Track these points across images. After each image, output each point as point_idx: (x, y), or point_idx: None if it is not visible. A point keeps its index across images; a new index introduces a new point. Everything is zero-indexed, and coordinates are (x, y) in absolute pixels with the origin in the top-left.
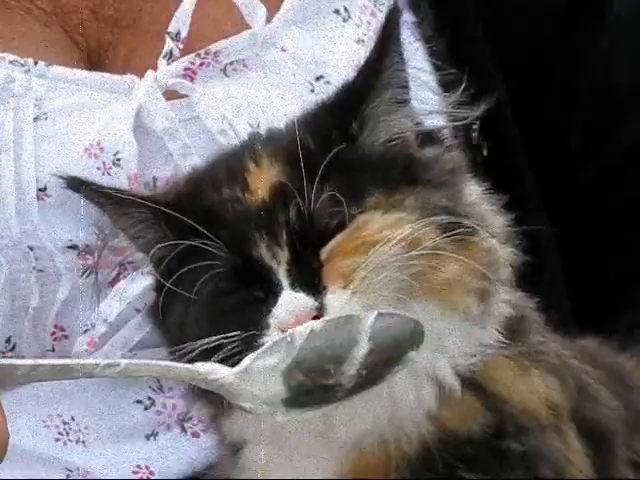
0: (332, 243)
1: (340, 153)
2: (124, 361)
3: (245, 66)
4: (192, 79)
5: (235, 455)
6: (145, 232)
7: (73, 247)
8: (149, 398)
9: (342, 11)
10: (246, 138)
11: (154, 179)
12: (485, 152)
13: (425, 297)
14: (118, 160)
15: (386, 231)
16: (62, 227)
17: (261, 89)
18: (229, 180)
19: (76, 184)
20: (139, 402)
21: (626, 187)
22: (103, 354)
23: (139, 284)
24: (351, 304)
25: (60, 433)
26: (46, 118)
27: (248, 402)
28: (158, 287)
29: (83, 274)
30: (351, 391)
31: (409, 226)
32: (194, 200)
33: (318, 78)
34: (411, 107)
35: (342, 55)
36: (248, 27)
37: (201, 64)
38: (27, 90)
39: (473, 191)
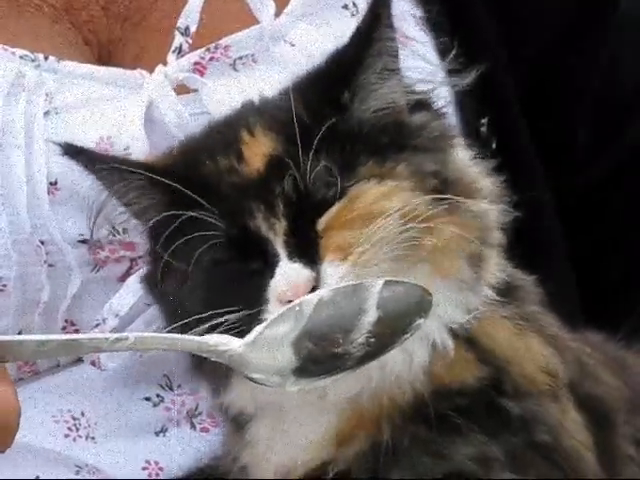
0: (329, 214)
1: (333, 124)
2: (133, 334)
3: (254, 61)
4: (202, 74)
5: (239, 432)
6: (140, 199)
7: (84, 241)
8: (158, 395)
9: (350, 6)
10: (239, 107)
11: None
12: (494, 146)
13: (418, 264)
14: (128, 154)
15: (381, 202)
16: (73, 221)
17: (270, 84)
18: (224, 149)
19: (73, 151)
20: (147, 399)
21: (632, 186)
22: None
23: None
24: (348, 277)
25: (70, 429)
26: (57, 113)
27: (258, 373)
28: (153, 254)
29: (94, 269)
30: (360, 359)
31: (403, 197)
32: (190, 169)
33: None
34: (401, 75)
35: None
36: (257, 22)
37: (211, 58)
38: (38, 85)
39: (462, 156)
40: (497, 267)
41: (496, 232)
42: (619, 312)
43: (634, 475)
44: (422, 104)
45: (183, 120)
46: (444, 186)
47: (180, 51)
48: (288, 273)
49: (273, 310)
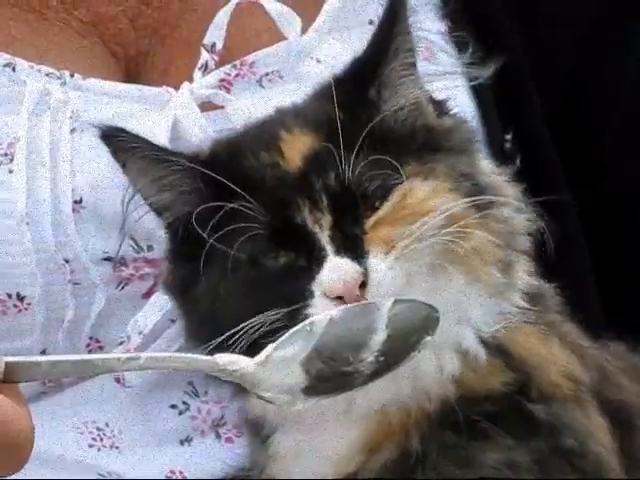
0: (379, 214)
1: (368, 122)
2: (144, 354)
3: (281, 77)
4: (228, 90)
5: (264, 444)
6: (173, 188)
7: (108, 259)
8: (184, 403)
9: (376, 21)
10: (273, 111)
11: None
12: (518, 161)
13: (452, 265)
14: None
15: (427, 200)
16: (97, 239)
17: (297, 100)
18: (265, 145)
19: (111, 132)
20: (174, 407)
21: None
22: None
23: None
24: (393, 270)
25: (94, 439)
26: (82, 130)
27: (268, 391)
28: (177, 255)
29: (118, 286)
30: (369, 377)
31: (446, 197)
32: (231, 162)
33: None
34: (418, 73)
35: None
36: (284, 38)
37: (237, 75)
38: (64, 103)
39: (486, 162)
40: (525, 273)
41: (523, 237)
42: None
43: None
44: (444, 108)
45: (208, 137)
46: (477, 190)
47: (206, 68)
48: (338, 267)
49: (318, 305)
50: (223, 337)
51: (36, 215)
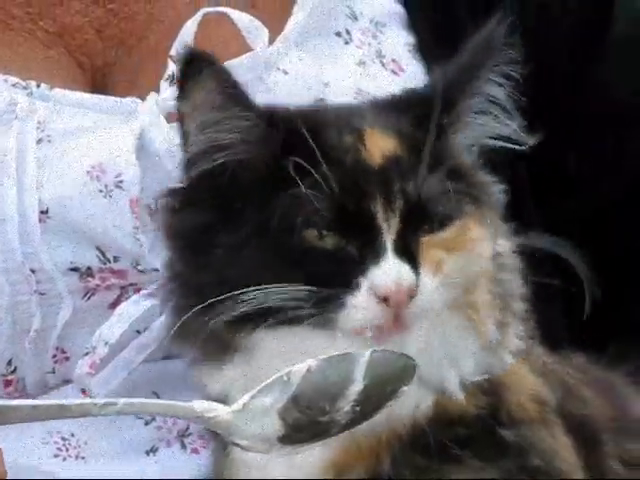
0: (440, 235)
1: (442, 148)
2: (121, 400)
3: (247, 89)
4: None
5: (228, 456)
6: (245, 133)
7: (74, 269)
8: None
9: (344, 33)
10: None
11: (156, 202)
12: None
13: (459, 313)
14: (120, 182)
15: (479, 242)
16: (64, 250)
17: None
18: (350, 130)
19: (203, 57)
20: (139, 417)
21: (627, 216)
22: (104, 376)
23: (140, 306)
24: (437, 292)
25: (59, 449)
26: (49, 141)
27: (244, 440)
28: (197, 200)
29: (84, 296)
30: (344, 426)
31: (491, 247)
32: (315, 130)
33: (320, 100)
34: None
35: (344, 77)
36: (251, 49)
37: None
38: (30, 113)
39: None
40: (516, 336)
41: (518, 304)
42: (607, 338)
43: None
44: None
45: (174, 148)
46: (495, 250)
47: (173, 79)
48: (397, 270)
49: (360, 297)
50: (234, 293)
51: (2, 225)
